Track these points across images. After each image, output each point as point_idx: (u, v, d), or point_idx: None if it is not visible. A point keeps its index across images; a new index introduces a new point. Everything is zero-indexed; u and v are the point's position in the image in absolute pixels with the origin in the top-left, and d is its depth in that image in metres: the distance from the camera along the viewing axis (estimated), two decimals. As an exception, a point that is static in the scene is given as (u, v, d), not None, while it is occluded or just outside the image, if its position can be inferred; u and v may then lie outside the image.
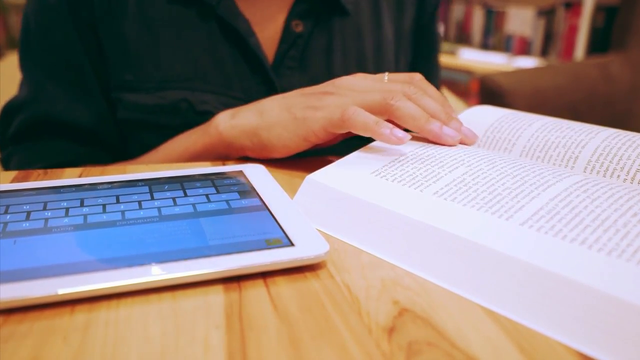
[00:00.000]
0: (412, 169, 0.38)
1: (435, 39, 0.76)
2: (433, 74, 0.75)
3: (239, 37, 0.59)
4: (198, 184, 0.41)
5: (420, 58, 0.74)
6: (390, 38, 0.68)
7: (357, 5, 0.65)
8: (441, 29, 2.86)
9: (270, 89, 0.60)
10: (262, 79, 0.60)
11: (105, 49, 0.59)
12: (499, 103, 1.62)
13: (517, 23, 2.83)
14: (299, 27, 0.61)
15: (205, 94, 0.59)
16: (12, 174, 0.45)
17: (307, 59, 0.63)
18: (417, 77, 0.47)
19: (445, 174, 0.37)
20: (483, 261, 0.30)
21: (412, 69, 0.73)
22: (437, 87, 0.78)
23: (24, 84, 0.61)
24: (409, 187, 0.36)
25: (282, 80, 0.61)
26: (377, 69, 0.66)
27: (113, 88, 0.59)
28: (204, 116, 0.58)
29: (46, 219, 0.34)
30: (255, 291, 0.30)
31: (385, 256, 0.34)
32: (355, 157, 0.42)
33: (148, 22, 0.58)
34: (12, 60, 1.10)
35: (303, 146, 0.47)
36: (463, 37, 3.11)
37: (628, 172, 0.38)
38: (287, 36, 0.61)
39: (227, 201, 0.38)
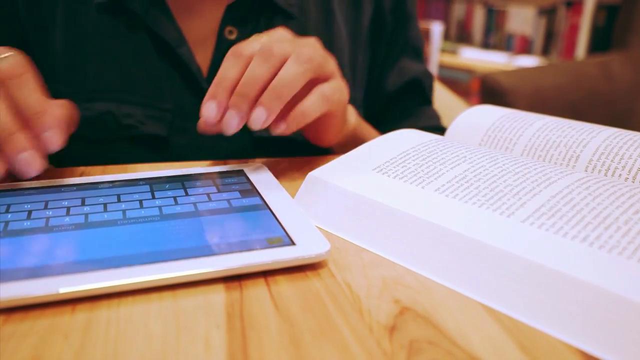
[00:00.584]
0: (413, 165, 0.38)
1: (400, 36, 0.70)
2: (404, 75, 0.70)
3: (170, 47, 0.57)
4: (199, 183, 0.41)
5: (383, 59, 0.70)
6: (343, 39, 0.65)
7: (303, 7, 0.62)
8: (440, 27, 2.86)
9: (203, 99, 0.59)
10: (196, 90, 0.58)
11: (37, 61, 0.58)
12: (500, 102, 1.62)
13: (518, 22, 2.83)
14: (232, 34, 0.59)
15: (133, 107, 0.57)
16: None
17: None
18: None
19: (447, 171, 0.37)
20: (484, 259, 0.30)
21: (372, 69, 0.69)
22: (431, 91, 0.74)
23: None
24: (411, 183, 0.36)
25: None
26: None
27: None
28: (128, 130, 0.57)
29: (47, 218, 0.34)
30: (256, 290, 0.30)
31: (386, 253, 0.34)
32: (357, 154, 0.42)
33: (77, 33, 0.57)
34: None
35: None
36: (464, 36, 3.11)
37: (629, 171, 0.38)
38: (221, 44, 0.59)
39: (228, 200, 0.38)
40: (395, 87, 0.70)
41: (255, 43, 0.41)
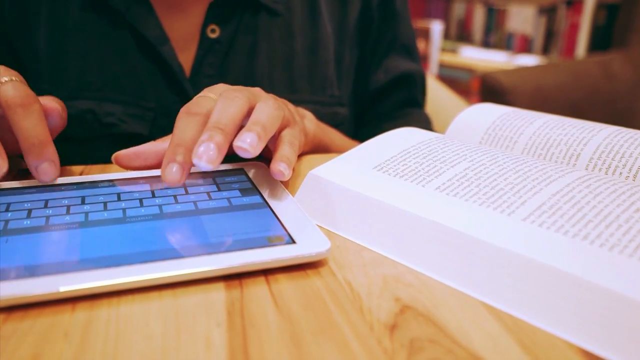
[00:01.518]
0: (414, 163, 0.38)
1: (387, 33, 0.68)
2: (390, 72, 0.69)
3: (152, 45, 0.57)
4: (199, 182, 0.41)
5: (370, 56, 0.69)
6: (329, 36, 0.64)
7: (288, 4, 0.62)
8: (440, 26, 2.86)
9: (186, 98, 0.58)
10: (179, 89, 0.58)
11: (22, 59, 0.58)
12: (500, 101, 1.62)
13: (518, 21, 2.83)
14: (214, 33, 0.59)
15: (115, 105, 0.57)
16: (13, 172, 0.45)
17: (228, 65, 0.60)
18: None
19: (447, 169, 0.36)
20: (485, 257, 0.30)
21: (360, 67, 0.68)
22: (422, 94, 0.72)
23: None
24: (411, 182, 0.36)
25: (199, 89, 0.57)
26: (309, 70, 0.63)
27: None
28: (109, 128, 0.57)
29: (47, 217, 0.34)
30: (257, 288, 0.30)
31: (386, 252, 0.34)
32: (357, 152, 0.42)
33: (59, 31, 0.57)
34: None
35: None
36: (464, 35, 3.11)
37: (630, 169, 0.38)
38: (203, 42, 0.58)
39: (228, 199, 0.38)
40: (380, 84, 0.69)
41: (207, 100, 0.38)
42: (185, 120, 0.37)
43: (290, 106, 0.48)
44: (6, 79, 0.38)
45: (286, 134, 0.42)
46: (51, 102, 0.41)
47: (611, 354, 0.25)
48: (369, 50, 0.68)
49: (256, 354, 0.25)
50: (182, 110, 0.38)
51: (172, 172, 0.35)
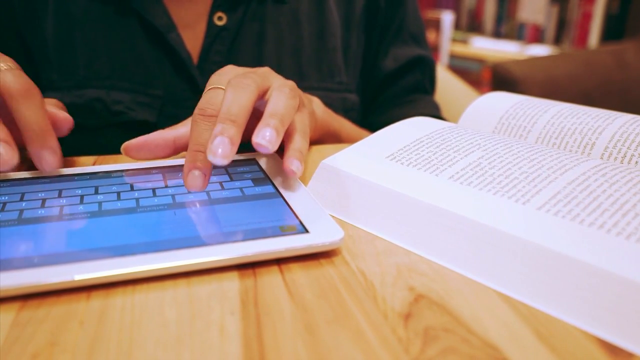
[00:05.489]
0: (427, 152, 0.38)
1: (394, 21, 0.68)
2: (399, 59, 0.69)
3: (160, 33, 0.57)
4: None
5: (377, 44, 0.68)
6: (337, 24, 0.64)
7: None
8: (450, 17, 2.84)
9: (194, 86, 0.58)
10: (186, 76, 0.58)
11: (30, 49, 0.58)
12: (512, 91, 1.60)
13: (530, 10, 2.80)
14: (221, 20, 0.59)
15: (123, 93, 0.58)
16: (27, 162, 0.45)
17: (236, 52, 0.60)
18: None
19: (461, 158, 0.36)
20: (499, 246, 0.30)
21: (367, 55, 0.68)
22: (431, 82, 0.72)
23: None
24: (425, 171, 0.36)
25: (207, 76, 0.57)
26: (317, 57, 0.63)
27: (43, 88, 0.58)
28: (117, 116, 0.57)
29: (61, 206, 0.35)
30: (270, 278, 0.30)
31: (400, 242, 0.34)
32: (369, 141, 0.41)
33: (67, 19, 0.57)
34: None
35: None
36: (475, 26, 3.08)
37: (646, 158, 0.37)
38: (210, 30, 0.59)
39: (240, 189, 0.38)
40: (389, 70, 0.69)
41: (219, 96, 0.37)
42: (201, 124, 0.36)
43: (298, 89, 0.48)
44: (4, 66, 0.38)
45: (297, 121, 0.41)
46: (60, 112, 0.41)
47: (628, 343, 0.25)
48: (376, 38, 0.68)
49: (271, 342, 0.25)
50: (197, 112, 0.37)
51: (195, 178, 0.35)
